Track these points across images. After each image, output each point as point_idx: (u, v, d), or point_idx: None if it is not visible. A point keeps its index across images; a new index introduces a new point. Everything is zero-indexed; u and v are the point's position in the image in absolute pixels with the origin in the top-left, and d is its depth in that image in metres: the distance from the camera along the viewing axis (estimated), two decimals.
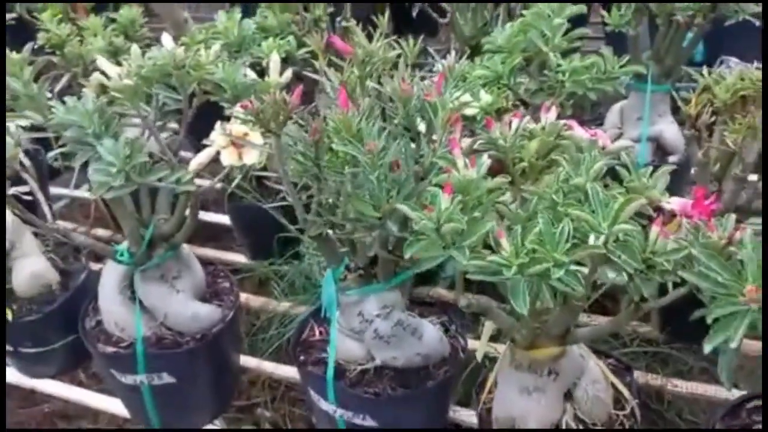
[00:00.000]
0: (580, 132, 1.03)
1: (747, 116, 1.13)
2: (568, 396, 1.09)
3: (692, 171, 1.58)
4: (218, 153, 1.01)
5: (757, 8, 1.42)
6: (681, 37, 1.51)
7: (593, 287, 1.47)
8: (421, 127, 1.00)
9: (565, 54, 1.32)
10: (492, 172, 0.93)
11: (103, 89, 1.19)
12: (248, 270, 1.89)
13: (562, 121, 1.05)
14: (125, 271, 1.32)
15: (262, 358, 1.63)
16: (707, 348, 0.77)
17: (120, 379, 1.32)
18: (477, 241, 0.85)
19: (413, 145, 0.99)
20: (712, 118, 1.18)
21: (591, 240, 0.80)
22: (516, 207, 0.91)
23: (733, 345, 0.74)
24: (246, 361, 1.59)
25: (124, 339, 1.32)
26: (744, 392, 1.13)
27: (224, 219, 2.05)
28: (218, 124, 1.03)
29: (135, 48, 1.19)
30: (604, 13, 1.50)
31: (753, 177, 1.19)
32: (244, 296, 1.74)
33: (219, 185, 1.95)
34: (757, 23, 1.42)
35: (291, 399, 1.70)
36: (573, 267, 0.79)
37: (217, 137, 1.00)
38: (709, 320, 0.78)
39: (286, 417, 1.67)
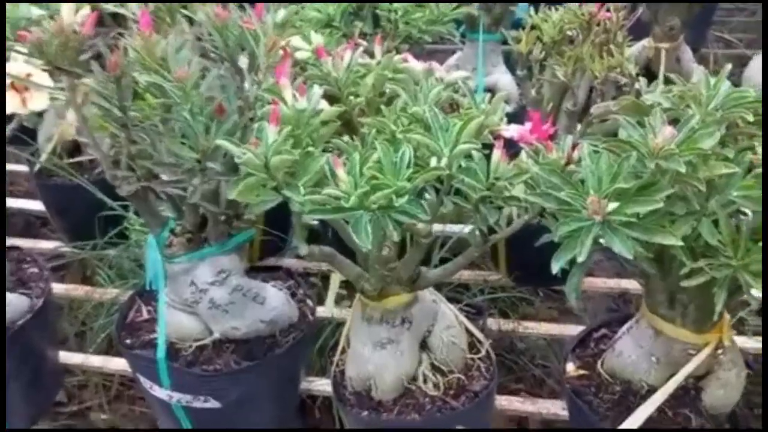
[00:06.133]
0: (415, 64, 0.98)
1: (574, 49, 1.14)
2: (423, 346, 1.04)
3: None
4: None
5: None
6: None
7: (440, 247, 1.44)
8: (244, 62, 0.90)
9: None
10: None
11: None
12: (69, 257, 1.67)
13: (398, 55, 0.99)
14: None
15: (90, 353, 1.45)
16: (555, 267, 0.74)
17: None
18: (312, 180, 0.77)
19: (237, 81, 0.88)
20: (542, 54, 1.18)
21: (433, 163, 0.74)
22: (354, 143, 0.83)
23: (580, 259, 0.71)
24: (70, 357, 1.40)
25: None
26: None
27: (37, 206, 1.80)
28: None
29: None
30: None
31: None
32: (63, 287, 1.54)
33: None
34: None
35: (129, 397, 1.53)
36: None
37: None
38: (556, 239, 0.75)
39: (125, 417, 1.50)
